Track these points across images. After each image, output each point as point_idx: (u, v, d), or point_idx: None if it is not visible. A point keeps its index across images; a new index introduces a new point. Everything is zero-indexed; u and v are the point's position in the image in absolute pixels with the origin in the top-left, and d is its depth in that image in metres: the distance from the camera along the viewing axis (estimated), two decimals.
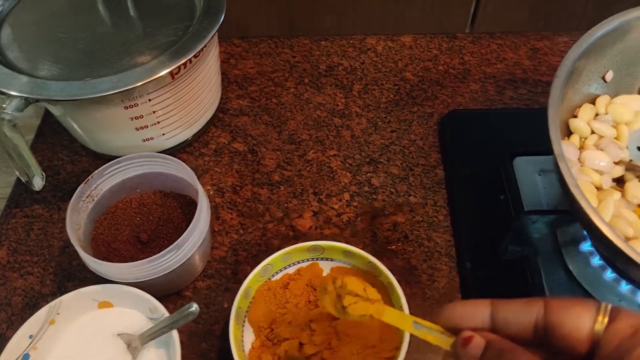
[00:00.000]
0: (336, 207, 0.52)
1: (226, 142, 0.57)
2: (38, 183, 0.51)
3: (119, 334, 0.42)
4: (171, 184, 0.49)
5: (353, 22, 0.65)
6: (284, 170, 0.55)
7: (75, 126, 0.51)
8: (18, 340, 0.40)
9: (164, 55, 0.46)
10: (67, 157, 0.57)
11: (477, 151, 0.55)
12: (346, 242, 0.50)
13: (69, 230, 0.42)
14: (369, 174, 0.54)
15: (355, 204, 0.52)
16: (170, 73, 0.46)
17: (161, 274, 0.42)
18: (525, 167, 0.52)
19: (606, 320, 0.24)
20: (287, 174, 0.55)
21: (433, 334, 0.29)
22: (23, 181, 0.51)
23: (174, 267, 0.43)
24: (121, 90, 0.43)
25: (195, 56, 0.47)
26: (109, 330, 0.42)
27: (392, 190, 0.53)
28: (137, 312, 0.43)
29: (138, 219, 0.49)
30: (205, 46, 0.47)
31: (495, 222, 0.49)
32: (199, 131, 0.57)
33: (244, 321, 0.43)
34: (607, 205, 0.37)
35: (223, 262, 0.49)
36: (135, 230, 0.48)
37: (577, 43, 0.40)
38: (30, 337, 0.41)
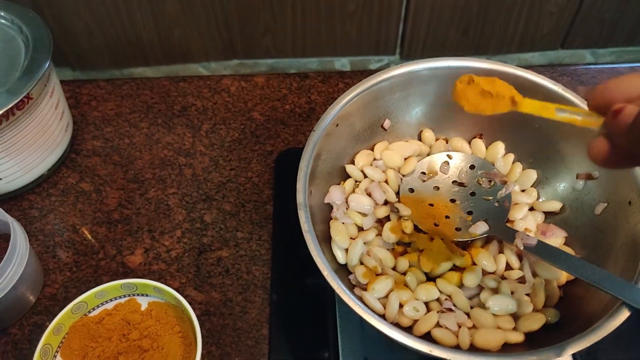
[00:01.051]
0: (167, 243, 0.56)
1: (74, 182, 0.61)
2: None
3: None
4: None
5: (291, 44, 0.69)
6: (124, 209, 0.59)
7: None
8: None
9: None
10: None
11: None
12: (171, 277, 0.54)
13: None
14: (202, 211, 0.58)
15: (185, 240, 0.56)
16: None
17: None
18: None
19: None
20: (126, 213, 0.58)
21: (580, 117, 0.29)
22: None
23: None
24: None
25: (18, 108, 0.51)
26: None
27: (222, 226, 0.57)
28: None
29: None
30: (28, 99, 0.51)
31: (307, 256, 0.54)
32: (48, 171, 0.60)
33: (55, 357, 0.47)
34: (356, 245, 0.42)
35: (53, 299, 0.52)
36: None
37: (336, 101, 0.45)
38: None
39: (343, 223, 0.43)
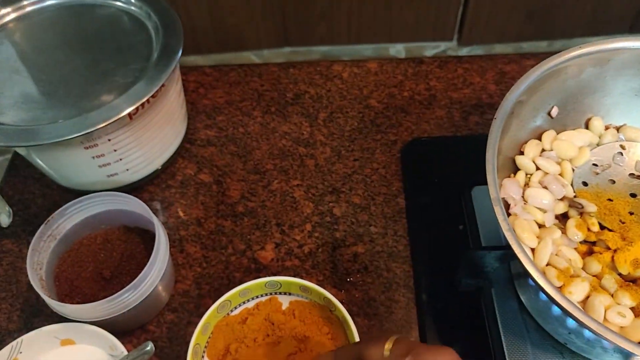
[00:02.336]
0: (298, 238, 0.53)
1: (192, 174, 0.58)
2: (4, 221, 0.53)
3: None
4: (134, 219, 0.50)
5: (346, 31, 0.66)
6: (248, 202, 0.56)
7: (42, 164, 0.53)
8: None
9: (121, 97, 0.47)
10: (38, 191, 0.58)
11: (438, 179, 0.56)
12: (307, 274, 0.51)
13: (30, 271, 0.44)
14: (331, 204, 0.55)
15: (316, 234, 0.53)
16: (128, 114, 0.47)
17: (120, 312, 0.43)
18: (484, 197, 0.52)
19: (390, 346, 0.32)
20: (251, 205, 0.56)
21: None
22: None
23: (134, 305, 0.44)
24: (77, 135, 0.45)
25: (153, 96, 0.48)
26: None
27: (353, 220, 0.54)
28: (98, 349, 0.45)
29: (102, 255, 0.50)
30: (162, 86, 0.48)
31: (453, 253, 0.50)
32: (165, 162, 0.58)
33: (203, 356, 0.44)
34: (546, 245, 0.38)
35: (186, 295, 0.50)
36: (98, 266, 0.49)
37: (517, 83, 0.41)
38: None
39: (525, 219, 0.39)
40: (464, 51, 0.70)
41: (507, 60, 0.66)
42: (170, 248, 0.53)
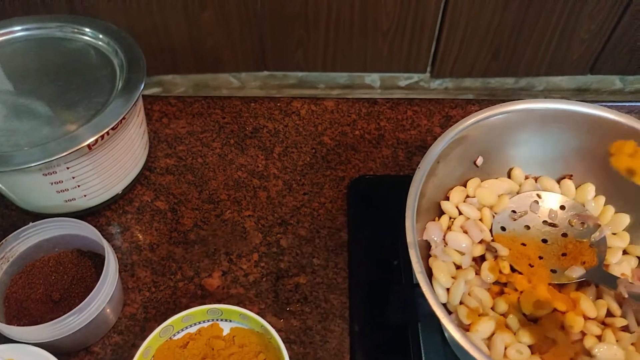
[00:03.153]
0: (245, 267, 0.56)
1: (149, 200, 0.61)
2: None
3: None
4: (87, 244, 0.53)
5: (322, 58, 0.70)
6: (200, 230, 0.59)
7: (1, 187, 0.55)
8: None
9: (82, 128, 0.50)
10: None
11: (380, 216, 0.60)
12: (250, 302, 0.54)
13: None
14: (278, 235, 0.59)
15: (262, 264, 0.57)
16: (88, 145, 0.50)
17: (66, 335, 0.46)
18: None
19: None
20: (202, 234, 0.59)
21: None
22: None
23: (79, 328, 0.46)
24: (36, 164, 0.47)
25: (113, 128, 0.51)
26: None
27: (298, 251, 0.57)
28: None
29: (53, 277, 0.52)
30: (123, 119, 0.52)
31: (386, 287, 0.54)
32: (124, 189, 0.60)
33: None
34: (459, 285, 0.42)
35: (133, 319, 0.53)
36: (49, 289, 0.51)
37: (442, 136, 0.45)
38: None
39: (443, 261, 0.43)
40: (436, 83, 0.75)
41: (453, 105, 0.71)
42: (121, 272, 0.56)
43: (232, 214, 0.60)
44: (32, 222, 0.50)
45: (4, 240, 0.49)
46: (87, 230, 0.50)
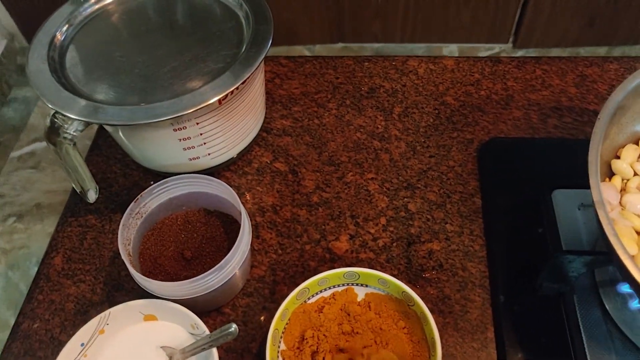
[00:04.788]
0: (372, 231, 0.53)
1: (268, 162, 0.59)
2: (92, 196, 0.55)
3: (162, 347, 0.44)
4: (215, 203, 0.51)
5: (400, 29, 0.67)
6: (323, 192, 0.57)
7: (128, 144, 0.54)
8: (71, 347, 0.43)
9: (213, 82, 0.48)
10: (120, 171, 0.60)
11: (517, 181, 0.55)
12: (381, 267, 0.51)
13: (120, 246, 0.45)
14: (405, 199, 0.55)
15: (391, 229, 0.53)
16: (218, 100, 0.48)
17: (203, 293, 0.45)
18: (565, 200, 0.52)
19: None
20: (325, 196, 0.56)
21: None
22: (78, 192, 0.55)
23: (216, 287, 0.45)
24: (171, 117, 0.46)
25: (242, 83, 0.49)
26: (153, 342, 0.45)
27: (428, 217, 0.54)
28: (179, 327, 0.46)
29: (183, 235, 0.51)
30: (251, 74, 0.49)
31: (532, 256, 0.49)
32: (243, 150, 0.59)
33: (280, 342, 0.45)
34: None
35: (262, 281, 0.51)
36: (179, 247, 0.50)
37: (622, 84, 0.39)
38: (82, 345, 0.44)
39: (625, 226, 0.38)
40: (519, 54, 0.69)
41: (588, 63, 0.65)
42: None
43: (354, 176, 0.58)
44: (154, 181, 0.49)
45: (138, 196, 0.48)
46: (220, 189, 0.49)
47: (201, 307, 0.48)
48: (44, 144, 1.70)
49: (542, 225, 0.51)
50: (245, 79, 0.48)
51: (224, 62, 0.50)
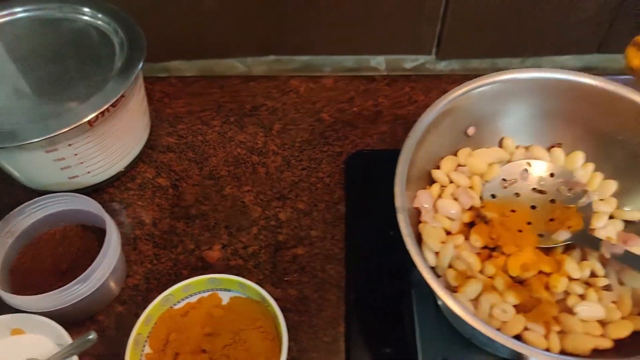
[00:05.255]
0: (244, 240, 0.58)
1: (151, 177, 0.63)
2: None
3: (28, 359, 0.47)
4: (91, 218, 0.54)
5: (327, 42, 0.71)
6: (202, 205, 0.61)
7: (6, 165, 0.57)
8: None
9: (83, 105, 0.52)
10: (4, 190, 0.62)
11: (377, 189, 0.60)
12: (249, 273, 0.56)
13: None
14: (277, 209, 0.60)
15: (261, 237, 0.58)
16: (88, 121, 0.52)
17: (70, 303, 0.48)
18: None
19: None
20: (203, 208, 0.60)
21: None
22: None
23: (83, 297, 0.48)
24: (37, 140, 0.49)
25: (113, 105, 0.53)
26: (21, 355, 0.48)
27: (296, 224, 0.59)
28: (46, 338, 0.48)
29: (59, 249, 0.54)
30: (122, 96, 0.53)
31: (381, 257, 0.55)
32: (127, 166, 0.62)
33: (144, 346, 0.49)
34: (447, 248, 0.43)
35: (136, 289, 0.55)
36: (56, 260, 0.53)
37: (431, 106, 0.46)
38: None
39: (433, 227, 0.44)
40: (442, 65, 0.75)
41: (450, 81, 0.71)
42: (124, 246, 0.57)
43: (232, 189, 0.62)
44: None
45: (7, 216, 0.51)
46: (89, 205, 0.52)
47: (73, 317, 0.51)
48: None
49: (393, 228, 0.56)
50: (112, 102, 0.52)
51: (95, 87, 0.54)
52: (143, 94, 0.61)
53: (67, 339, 0.46)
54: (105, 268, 0.49)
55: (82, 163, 0.56)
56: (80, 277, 0.47)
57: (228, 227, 0.59)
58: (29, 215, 0.52)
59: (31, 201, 0.51)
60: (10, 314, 0.47)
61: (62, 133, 0.50)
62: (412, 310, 0.50)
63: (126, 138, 0.59)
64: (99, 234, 0.55)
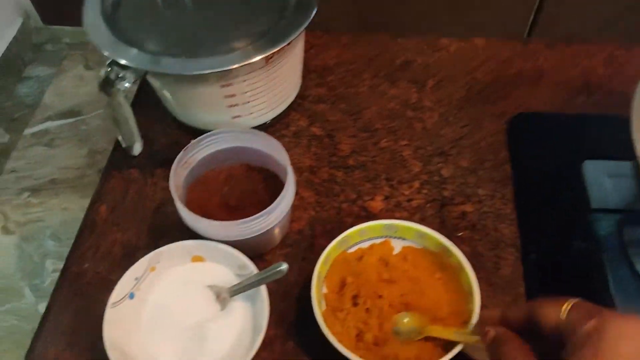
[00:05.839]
0: (407, 193, 0.56)
1: (305, 126, 0.61)
2: (137, 149, 0.57)
3: (209, 285, 0.46)
4: (257, 158, 0.53)
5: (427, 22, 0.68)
6: (359, 156, 0.59)
7: (171, 99, 0.56)
8: (126, 281, 0.45)
9: (261, 40, 0.50)
10: (161, 130, 0.62)
11: (546, 152, 0.57)
12: None
13: (172, 190, 0.47)
14: (439, 165, 0.57)
15: (425, 191, 0.56)
16: (265, 58, 0.50)
17: (249, 236, 0.47)
18: (595, 170, 0.54)
19: (568, 308, 0.32)
20: (361, 160, 0.58)
21: (466, 337, 0.41)
22: (123, 146, 0.57)
23: (262, 231, 0.47)
24: (224, 69, 0.48)
25: (288, 44, 0.51)
26: (201, 281, 0.47)
27: (461, 181, 0.56)
28: (226, 268, 0.48)
29: (226, 189, 0.53)
30: (298, 35, 0.51)
31: (562, 218, 0.52)
32: (280, 113, 0.61)
33: (322, 286, 0.47)
34: None
35: (300, 234, 0.53)
36: (223, 198, 0.52)
37: None
38: (136, 279, 0.46)
39: None
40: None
41: (617, 46, 0.67)
42: None
43: (389, 142, 0.60)
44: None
45: (188, 145, 0.50)
46: (267, 143, 0.51)
47: (246, 252, 0.50)
48: (57, 122, 1.73)
49: (572, 189, 0.53)
50: (291, 39, 0.50)
51: (270, 24, 0.52)
52: (303, 38, 0.60)
53: (252, 268, 0.45)
54: (283, 206, 0.48)
55: (248, 102, 0.55)
56: (266, 210, 0.45)
57: (388, 179, 0.57)
58: (204, 148, 0.51)
59: (209, 133, 0.50)
60: (195, 240, 0.47)
61: (242, 66, 0.49)
62: (605, 277, 0.47)
63: (289, 81, 0.58)
64: (265, 175, 0.54)
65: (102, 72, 0.50)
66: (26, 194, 1.55)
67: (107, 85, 0.50)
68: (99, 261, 0.52)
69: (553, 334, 0.32)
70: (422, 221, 0.53)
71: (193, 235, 0.47)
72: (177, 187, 0.49)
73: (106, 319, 0.43)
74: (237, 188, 0.53)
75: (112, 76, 0.50)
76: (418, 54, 0.68)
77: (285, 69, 0.56)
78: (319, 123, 0.62)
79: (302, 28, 0.51)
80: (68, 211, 1.51)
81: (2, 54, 1.66)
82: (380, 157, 0.58)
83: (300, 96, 0.64)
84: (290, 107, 0.62)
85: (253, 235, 0.47)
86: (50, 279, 1.38)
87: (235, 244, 0.47)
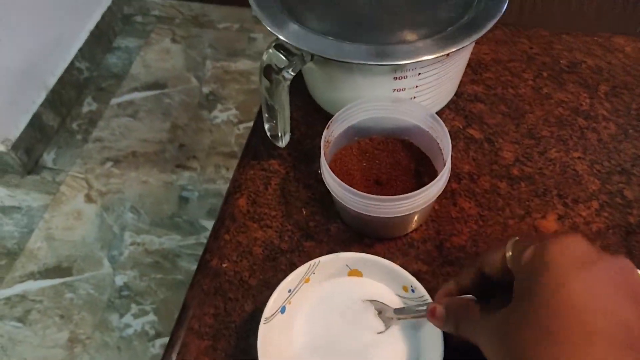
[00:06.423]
0: (584, 214, 0.49)
1: (461, 127, 0.55)
2: (286, 140, 0.52)
3: (370, 300, 0.42)
4: (403, 131, 0.48)
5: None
6: (524, 166, 0.52)
7: (322, 87, 0.51)
8: (279, 293, 0.41)
9: (448, 31, 0.45)
10: (302, 119, 0.57)
11: None
12: None
13: (323, 168, 0.44)
14: (620, 185, 0.50)
15: (605, 214, 0.49)
16: (447, 53, 0.44)
17: (398, 215, 0.41)
18: None
19: (510, 247, 0.32)
20: (527, 170, 0.52)
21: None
22: (269, 135, 0.53)
23: (412, 211, 0.41)
24: (412, 61, 0.43)
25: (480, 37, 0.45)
26: (357, 297, 0.42)
27: None
28: (386, 287, 0.43)
29: (364, 164, 0.48)
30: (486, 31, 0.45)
31: None
32: (437, 111, 0.55)
33: None
34: None
35: (462, 250, 0.48)
36: (366, 173, 0.48)
37: None
38: (289, 291, 0.42)
39: None
40: None
41: None
42: (441, 199, 0.50)
43: (559, 153, 0.53)
44: None
45: (337, 113, 0.45)
46: (417, 115, 0.45)
47: (388, 231, 0.46)
48: (143, 93, 1.73)
49: None
50: (483, 32, 0.44)
51: (454, 13, 0.46)
52: None
53: (421, 292, 0.40)
54: (435, 190, 0.42)
55: (414, 97, 0.49)
56: (421, 189, 0.40)
57: (561, 196, 0.50)
58: (353, 115, 0.46)
59: (359, 101, 0.46)
60: (355, 253, 0.42)
61: (432, 59, 0.43)
62: None
63: (456, 78, 0.52)
64: (409, 147, 0.49)
65: (265, 57, 0.46)
66: (109, 164, 1.56)
67: (269, 70, 0.46)
68: (239, 260, 0.48)
69: (505, 279, 0.32)
70: (603, 249, 0.47)
71: (342, 239, 0.43)
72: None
73: (260, 336, 0.39)
74: (379, 162, 0.48)
75: (276, 61, 0.45)
76: (587, 54, 0.60)
77: (457, 65, 0.50)
78: (477, 125, 0.55)
79: (495, 20, 0.45)
80: (147, 185, 1.51)
81: (97, 23, 1.67)
82: (550, 170, 0.52)
83: (456, 93, 0.58)
84: (445, 105, 0.56)
85: (400, 215, 0.41)
86: (127, 252, 1.38)
87: (384, 220, 0.42)
